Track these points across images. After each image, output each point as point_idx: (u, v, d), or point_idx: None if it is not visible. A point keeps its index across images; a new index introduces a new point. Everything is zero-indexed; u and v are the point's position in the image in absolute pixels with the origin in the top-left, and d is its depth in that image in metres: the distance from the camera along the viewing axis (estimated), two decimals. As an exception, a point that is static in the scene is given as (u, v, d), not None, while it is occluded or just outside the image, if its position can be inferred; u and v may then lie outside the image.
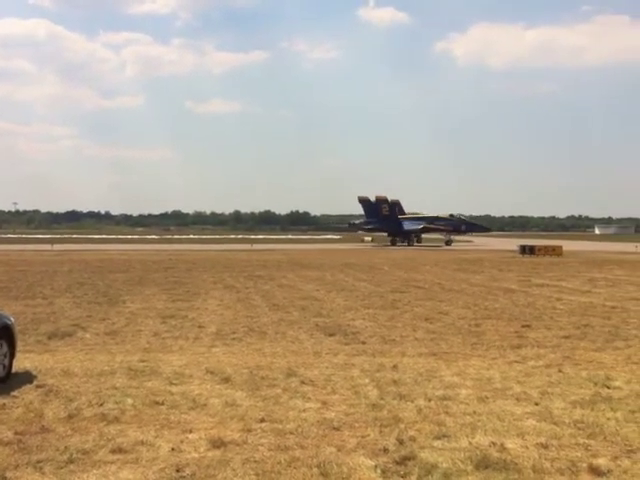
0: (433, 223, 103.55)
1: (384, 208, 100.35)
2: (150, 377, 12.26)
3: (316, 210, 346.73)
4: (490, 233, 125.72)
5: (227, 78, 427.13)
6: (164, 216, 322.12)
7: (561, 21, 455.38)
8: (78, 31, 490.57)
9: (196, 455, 8.13)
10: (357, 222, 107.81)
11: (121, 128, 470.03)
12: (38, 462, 7.84)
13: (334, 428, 9.13)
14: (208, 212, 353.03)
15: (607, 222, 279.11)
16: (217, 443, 8.48)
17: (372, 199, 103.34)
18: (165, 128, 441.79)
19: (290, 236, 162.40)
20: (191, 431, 9.03)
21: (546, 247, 66.68)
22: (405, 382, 11.85)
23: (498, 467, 7.66)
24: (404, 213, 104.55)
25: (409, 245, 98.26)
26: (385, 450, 8.23)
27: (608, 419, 9.55)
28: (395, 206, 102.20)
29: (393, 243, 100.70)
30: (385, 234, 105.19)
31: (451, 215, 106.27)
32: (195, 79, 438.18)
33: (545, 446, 8.37)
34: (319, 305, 23.53)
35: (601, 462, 7.80)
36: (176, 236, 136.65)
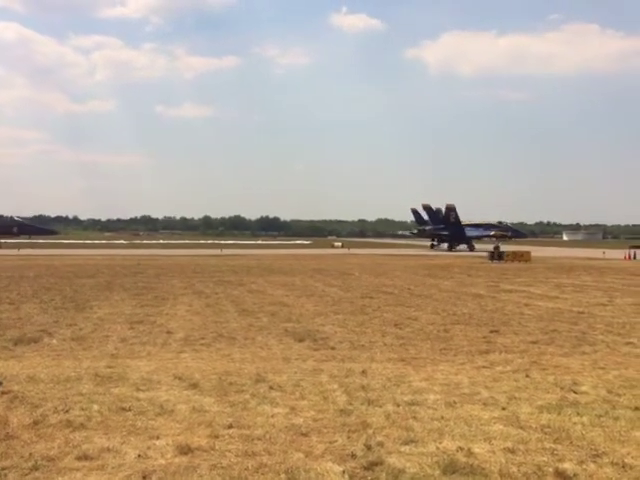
0: (488, 230, 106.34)
1: (451, 215, 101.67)
2: (117, 383, 12.16)
3: (286, 215, 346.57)
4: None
5: (198, 83, 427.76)
6: (133, 221, 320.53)
7: (531, 29, 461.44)
8: (48, 34, 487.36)
9: (163, 461, 8.07)
10: (427, 228, 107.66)
11: (91, 132, 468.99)
12: (2, 469, 7.75)
13: (302, 434, 9.11)
14: (178, 217, 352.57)
15: (575, 228, 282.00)
16: (184, 449, 8.43)
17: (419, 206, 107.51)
18: (136, 133, 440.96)
19: (260, 241, 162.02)
20: (158, 437, 8.96)
21: (514, 253, 67.15)
22: (374, 387, 11.85)
23: (465, 472, 7.69)
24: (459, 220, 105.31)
25: (470, 251, 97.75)
26: (353, 455, 8.23)
27: (574, 424, 9.62)
28: (454, 212, 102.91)
29: (450, 248, 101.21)
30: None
31: (499, 222, 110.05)
32: (166, 83, 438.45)
33: (512, 451, 8.41)
34: (288, 311, 23.49)
35: (567, 466, 7.86)
36: (145, 241, 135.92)
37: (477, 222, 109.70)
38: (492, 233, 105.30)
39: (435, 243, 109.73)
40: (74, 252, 78.85)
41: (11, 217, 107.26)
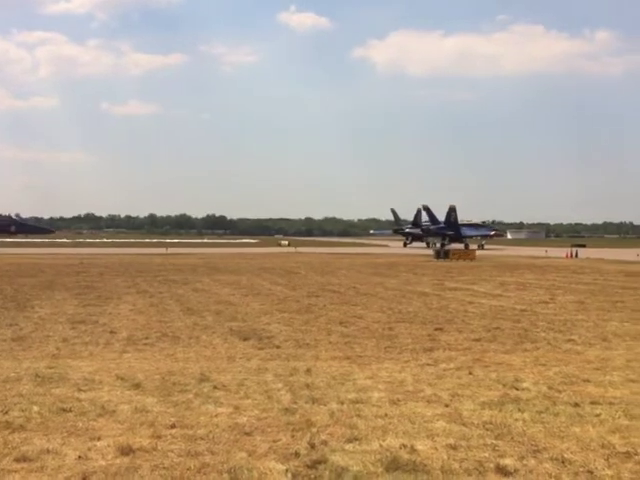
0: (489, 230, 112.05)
1: (452, 216, 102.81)
2: (58, 384, 11.96)
3: (233, 214, 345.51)
4: None
5: (145, 80, 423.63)
6: (76, 219, 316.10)
7: (478, 30, 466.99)
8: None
9: (103, 463, 7.95)
10: (432, 228, 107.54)
11: (34, 129, 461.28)
12: (-63, 473, 7.55)
13: (246, 433, 9.07)
14: (122, 215, 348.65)
15: (518, 227, 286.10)
16: (125, 450, 8.31)
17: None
18: (80, 130, 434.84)
19: (206, 240, 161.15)
20: (99, 438, 8.83)
21: (460, 251, 67.96)
22: (318, 386, 11.85)
23: (408, 469, 7.73)
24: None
25: (466, 249, 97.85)
26: (296, 454, 8.21)
27: (516, 420, 9.74)
28: (455, 213, 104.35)
29: (442, 246, 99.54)
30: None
31: (483, 222, 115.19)
32: (112, 80, 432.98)
33: (454, 447, 8.48)
34: (234, 309, 23.38)
35: (508, 462, 7.94)
36: (88, 240, 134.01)
37: (471, 222, 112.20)
38: (492, 233, 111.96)
39: (407, 241, 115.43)
40: (15, 250, 77.34)
41: (9, 215, 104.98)
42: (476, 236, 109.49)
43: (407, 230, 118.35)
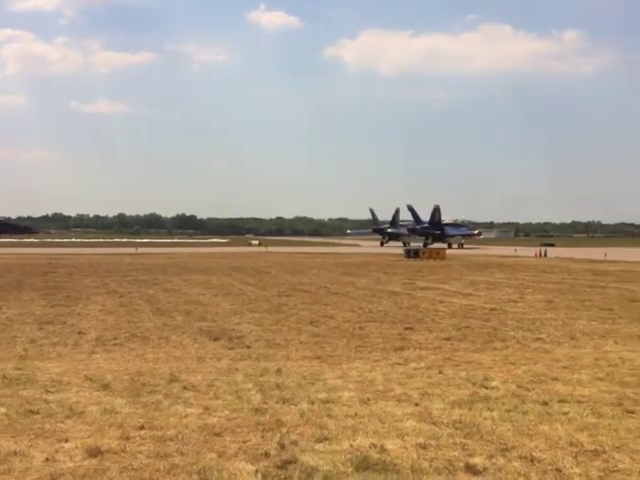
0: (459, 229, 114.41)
1: (436, 216, 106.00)
2: (25, 385, 11.83)
3: (203, 214, 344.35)
4: None
5: (114, 78, 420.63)
6: (44, 218, 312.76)
7: (447, 29, 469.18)
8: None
9: (71, 465, 7.88)
10: (418, 227, 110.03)
11: (1, 127, 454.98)
12: None
13: (215, 434, 9.02)
14: (91, 215, 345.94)
15: (489, 226, 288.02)
16: (94, 452, 8.24)
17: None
18: (48, 128, 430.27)
19: (176, 239, 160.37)
20: (67, 440, 8.74)
21: (430, 251, 68.26)
22: (289, 386, 11.83)
23: (377, 468, 7.73)
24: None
25: (449, 248, 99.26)
26: (266, 455, 8.18)
27: (485, 418, 9.78)
28: (439, 213, 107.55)
29: (425, 246, 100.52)
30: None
31: (454, 221, 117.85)
32: (80, 79, 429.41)
33: (424, 446, 8.50)
34: (204, 309, 23.29)
35: (477, 461, 7.98)
36: (57, 239, 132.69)
37: (449, 222, 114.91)
38: (477, 232, 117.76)
39: (384, 240, 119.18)
40: (-17, 251, 76.49)
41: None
42: (460, 235, 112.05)
43: (390, 230, 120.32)
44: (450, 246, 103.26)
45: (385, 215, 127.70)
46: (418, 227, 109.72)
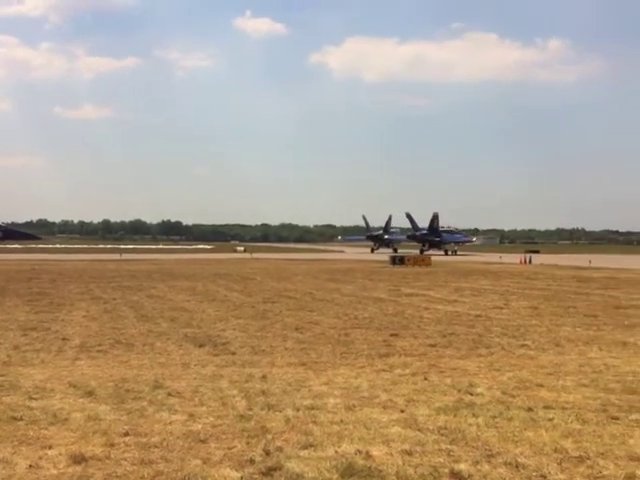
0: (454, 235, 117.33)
1: (434, 222, 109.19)
2: (9, 392, 11.75)
3: (188, 220, 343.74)
4: None
5: (98, 84, 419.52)
6: (28, 225, 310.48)
7: (433, 37, 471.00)
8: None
9: (55, 472, 7.83)
10: (417, 234, 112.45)
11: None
12: None
13: (200, 440, 8.99)
14: (76, 221, 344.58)
15: (473, 233, 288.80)
16: (78, 459, 8.19)
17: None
18: (32, 134, 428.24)
19: (161, 246, 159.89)
20: (51, 447, 8.69)
21: (415, 257, 68.39)
22: (274, 392, 11.80)
23: (363, 474, 7.73)
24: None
25: (445, 254, 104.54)
26: (251, 461, 8.16)
27: (470, 425, 9.79)
28: (437, 220, 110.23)
29: (421, 252, 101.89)
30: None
31: (456, 228, 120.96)
32: (65, 84, 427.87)
33: (409, 452, 8.49)
34: (189, 316, 23.21)
35: (462, 467, 7.98)
36: (41, 245, 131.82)
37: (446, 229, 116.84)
38: (474, 239, 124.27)
39: (375, 247, 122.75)
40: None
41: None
42: (454, 242, 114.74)
43: (386, 237, 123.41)
44: (447, 253, 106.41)
45: (371, 221, 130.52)
46: (417, 234, 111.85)
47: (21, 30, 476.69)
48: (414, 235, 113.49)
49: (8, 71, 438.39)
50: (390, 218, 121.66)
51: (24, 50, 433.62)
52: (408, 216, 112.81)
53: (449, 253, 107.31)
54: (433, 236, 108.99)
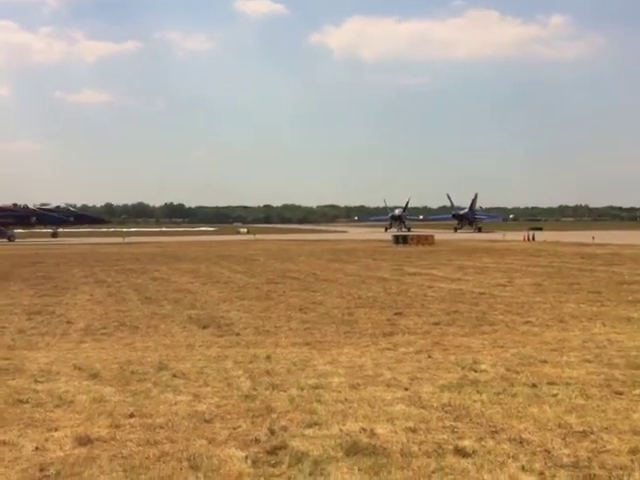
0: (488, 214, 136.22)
1: (475, 203, 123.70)
2: (14, 375, 11.78)
3: (191, 202, 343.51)
4: None
5: (98, 68, 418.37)
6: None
7: (433, 15, 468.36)
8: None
9: (61, 453, 7.86)
10: (461, 212, 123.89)
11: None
12: None
13: (205, 421, 9.02)
14: (78, 205, 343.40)
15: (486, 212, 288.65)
16: (83, 440, 8.22)
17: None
18: (33, 118, 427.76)
19: (164, 228, 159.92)
20: (56, 429, 8.72)
21: (418, 236, 68.39)
22: (278, 372, 11.83)
23: (367, 452, 7.75)
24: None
25: (479, 231, 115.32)
26: (256, 440, 8.18)
27: (474, 401, 9.80)
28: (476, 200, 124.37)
29: (456, 230, 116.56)
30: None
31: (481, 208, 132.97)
32: (65, 68, 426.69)
33: (413, 430, 8.51)
34: (193, 297, 23.26)
35: (466, 443, 8.00)
36: (44, 229, 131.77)
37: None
38: (501, 217, 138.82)
39: (389, 226, 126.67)
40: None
41: (25, 205, 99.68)
42: (487, 219, 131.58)
43: (476, 216, 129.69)
44: (480, 230, 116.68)
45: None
46: (461, 212, 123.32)
47: (20, 15, 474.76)
48: (457, 214, 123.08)
49: (9, 56, 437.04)
50: (476, 196, 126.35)
51: (24, 35, 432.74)
52: (448, 197, 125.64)
53: (479, 231, 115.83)
54: (474, 215, 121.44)
